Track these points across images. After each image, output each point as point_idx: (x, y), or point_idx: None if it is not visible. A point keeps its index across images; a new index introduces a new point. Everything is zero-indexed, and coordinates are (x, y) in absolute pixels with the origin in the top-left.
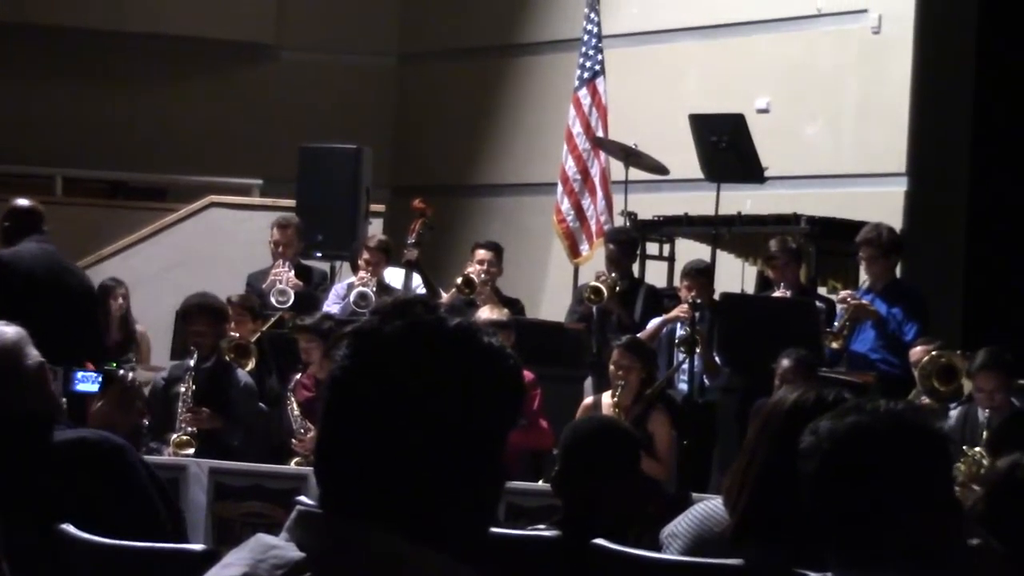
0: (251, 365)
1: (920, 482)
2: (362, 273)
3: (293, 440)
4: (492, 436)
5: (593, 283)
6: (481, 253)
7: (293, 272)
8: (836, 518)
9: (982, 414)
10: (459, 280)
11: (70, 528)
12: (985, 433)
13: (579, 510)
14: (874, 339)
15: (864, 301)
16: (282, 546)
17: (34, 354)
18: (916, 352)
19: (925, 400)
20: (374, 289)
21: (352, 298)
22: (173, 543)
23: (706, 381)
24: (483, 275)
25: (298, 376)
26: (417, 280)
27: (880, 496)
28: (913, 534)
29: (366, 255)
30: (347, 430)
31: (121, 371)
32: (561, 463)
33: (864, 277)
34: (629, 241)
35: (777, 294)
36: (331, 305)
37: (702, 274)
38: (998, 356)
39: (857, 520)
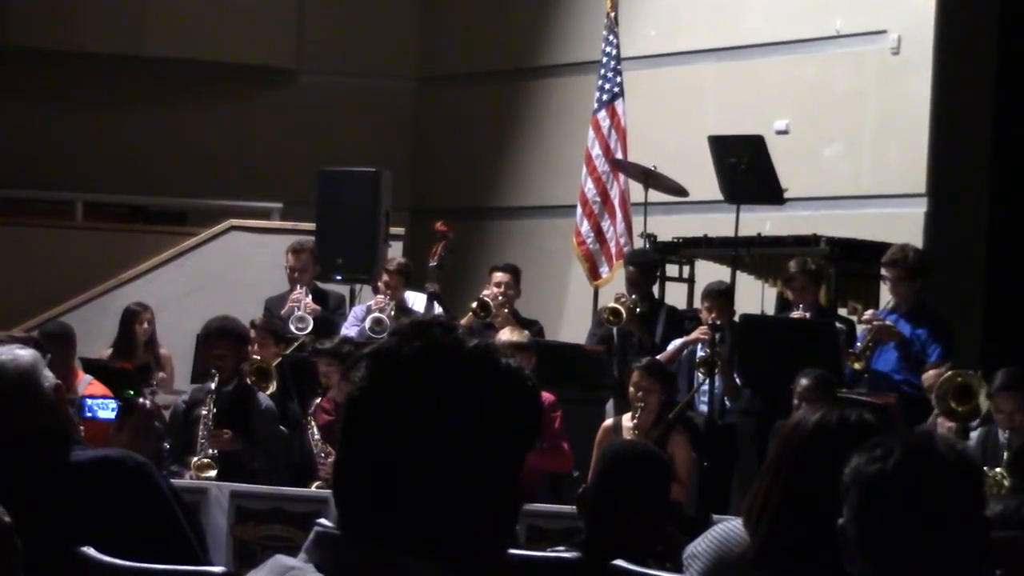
0: (272, 388)
1: (965, 510)
2: (379, 297)
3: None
4: (509, 457)
5: (612, 304)
6: (498, 275)
7: (310, 297)
8: (879, 535)
9: (1003, 435)
10: (474, 304)
11: (90, 551)
12: (1006, 454)
13: (603, 532)
14: (896, 360)
15: (888, 322)
16: (300, 567)
17: (50, 376)
18: (929, 376)
19: (943, 422)
20: (392, 313)
21: (368, 324)
22: (198, 560)
23: (727, 403)
24: (500, 297)
25: (318, 400)
26: (439, 311)
27: (936, 517)
28: (950, 559)
29: (385, 278)
30: (365, 451)
31: (140, 399)
32: (596, 485)
33: (887, 298)
34: (649, 263)
35: (795, 315)
36: (349, 328)
37: (722, 295)
38: (1018, 377)
39: (898, 539)
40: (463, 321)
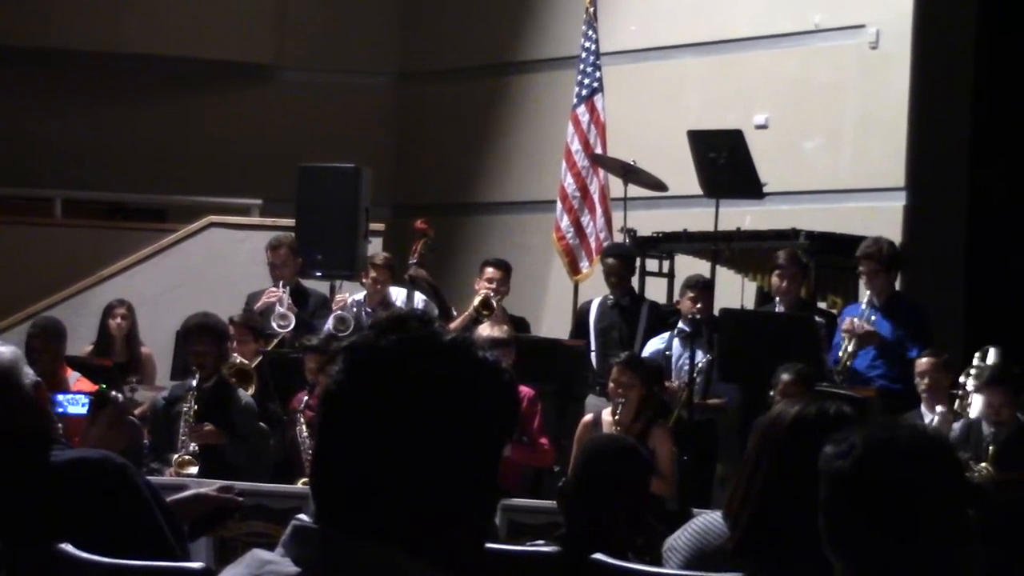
0: (252, 390)
1: (943, 502)
2: (339, 296)
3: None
4: (486, 450)
5: (481, 298)
6: (490, 271)
7: (289, 297)
8: (855, 527)
9: (987, 428)
10: (476, 301)
11: (68, 547)
12: (991, 448)
13: (583, 526)
14: (873, 357)
15: (870, 328)
16: (277, 561)
17: (30, 374)
18: (922, 363)
19: (926, 415)
20: (354, 311)
21: (330, 323)
22: (177, 561)
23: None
24: (492, 293)
25: (306, 397)
26: (419, 297)
27: (903, 510)
28: (927, 552)
29: (372, 273)
30: (342, 444)
31: (113, 392)
32: (576, 479)
33: (864, 292)
34: (629, 255)
35: (780, 309)
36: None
37: (708, 288)
38: (1006, 371)
39: (876, 530)
40: (459, 320)
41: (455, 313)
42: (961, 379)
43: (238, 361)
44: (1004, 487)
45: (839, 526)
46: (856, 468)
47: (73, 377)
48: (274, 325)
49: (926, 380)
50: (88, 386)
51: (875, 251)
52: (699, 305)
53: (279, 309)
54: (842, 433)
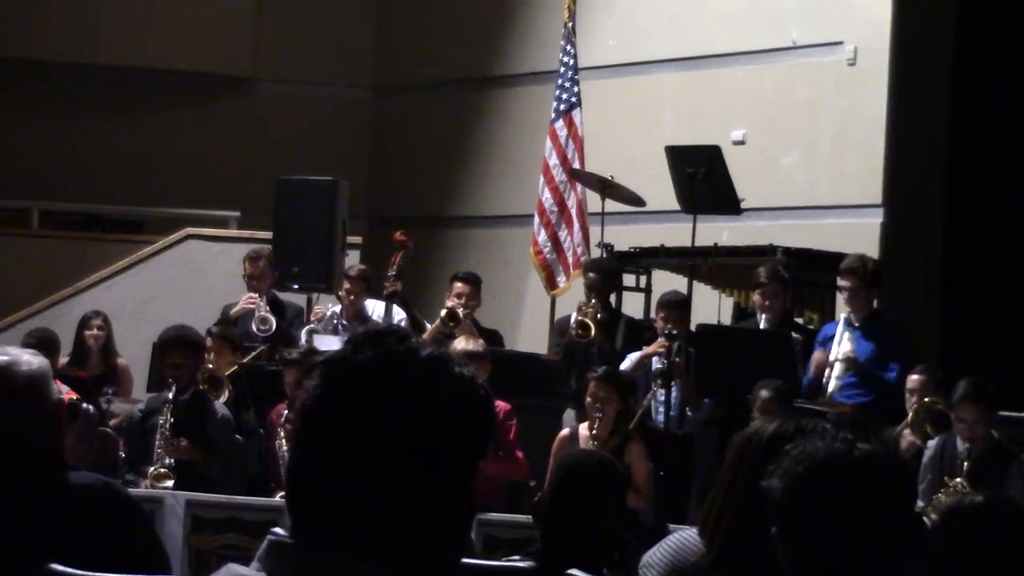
0: (224, 396)
1: (889, 515)
2: (317, 308)
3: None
4: (462, 466)
5: (579, 318)
6: (459, 286)
7: (267, 302)
8: (803, 544)
9: (961, 445)
10: (443, 313)
11: (55, 566)
12: (966, 464)
13: (558, 541)
14: (850, 383)
15: (852, 355)
16: (253, 575)
17: (56, 389)
18: (912, 380)
19: (907, 435)
20: (334, 323)
21: (303, 337)
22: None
23: (688, 412)
24: (461, 307)
25: (286, 411)
26: (399, 313)
27: (848, 525)
28: (873, 567)
29: (347, 285)
30: (318, 459)
31: (83, 404)
32: (552, 494)
33: (841, 309)
34: (611, 269)
35: (764, 325)
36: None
37: (678, 306)
38: (979, 387)
39: (822, 547)
40: (429, 331)
41: (428, 327)
42: None
43: (210, 368)
44: (980, 507)
45: (786, 546)
46: (791, 492)
47: (63, 390)
48: (254, 329)
49: (914, 398)
50: None
51: (859, 267)
52: (670, 325)
53: (259, 313)
54: (781, 458)
